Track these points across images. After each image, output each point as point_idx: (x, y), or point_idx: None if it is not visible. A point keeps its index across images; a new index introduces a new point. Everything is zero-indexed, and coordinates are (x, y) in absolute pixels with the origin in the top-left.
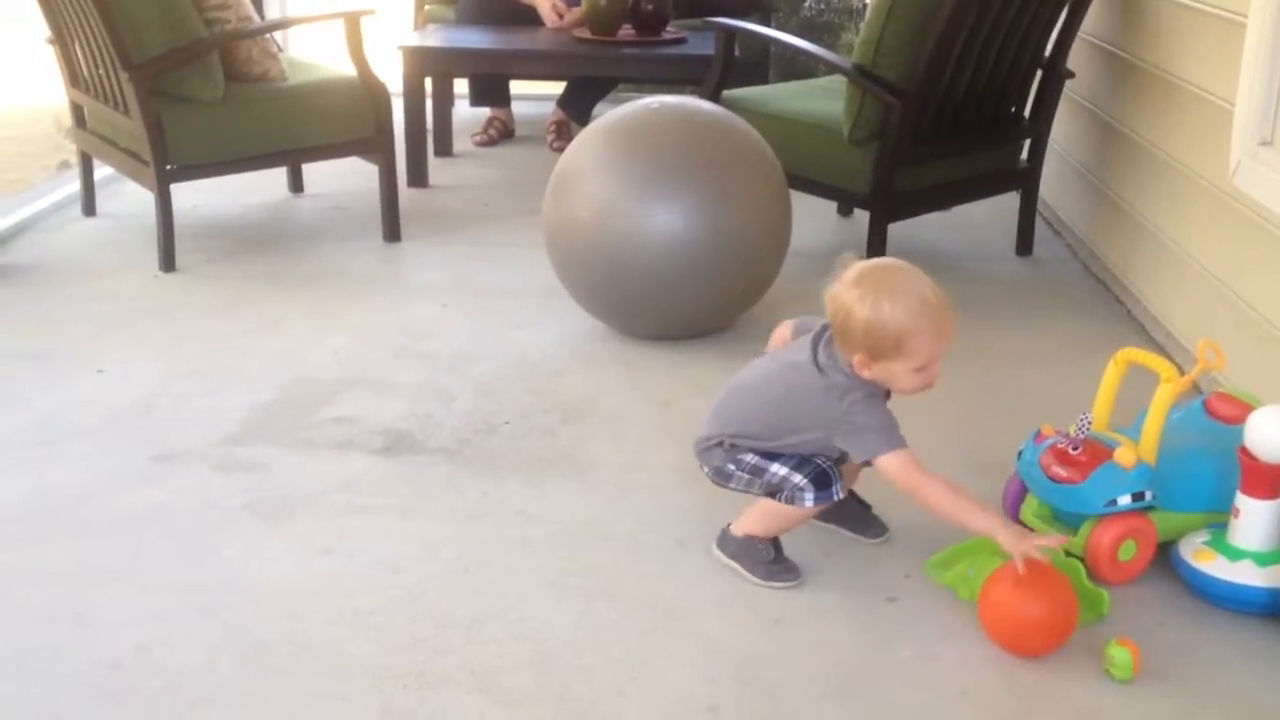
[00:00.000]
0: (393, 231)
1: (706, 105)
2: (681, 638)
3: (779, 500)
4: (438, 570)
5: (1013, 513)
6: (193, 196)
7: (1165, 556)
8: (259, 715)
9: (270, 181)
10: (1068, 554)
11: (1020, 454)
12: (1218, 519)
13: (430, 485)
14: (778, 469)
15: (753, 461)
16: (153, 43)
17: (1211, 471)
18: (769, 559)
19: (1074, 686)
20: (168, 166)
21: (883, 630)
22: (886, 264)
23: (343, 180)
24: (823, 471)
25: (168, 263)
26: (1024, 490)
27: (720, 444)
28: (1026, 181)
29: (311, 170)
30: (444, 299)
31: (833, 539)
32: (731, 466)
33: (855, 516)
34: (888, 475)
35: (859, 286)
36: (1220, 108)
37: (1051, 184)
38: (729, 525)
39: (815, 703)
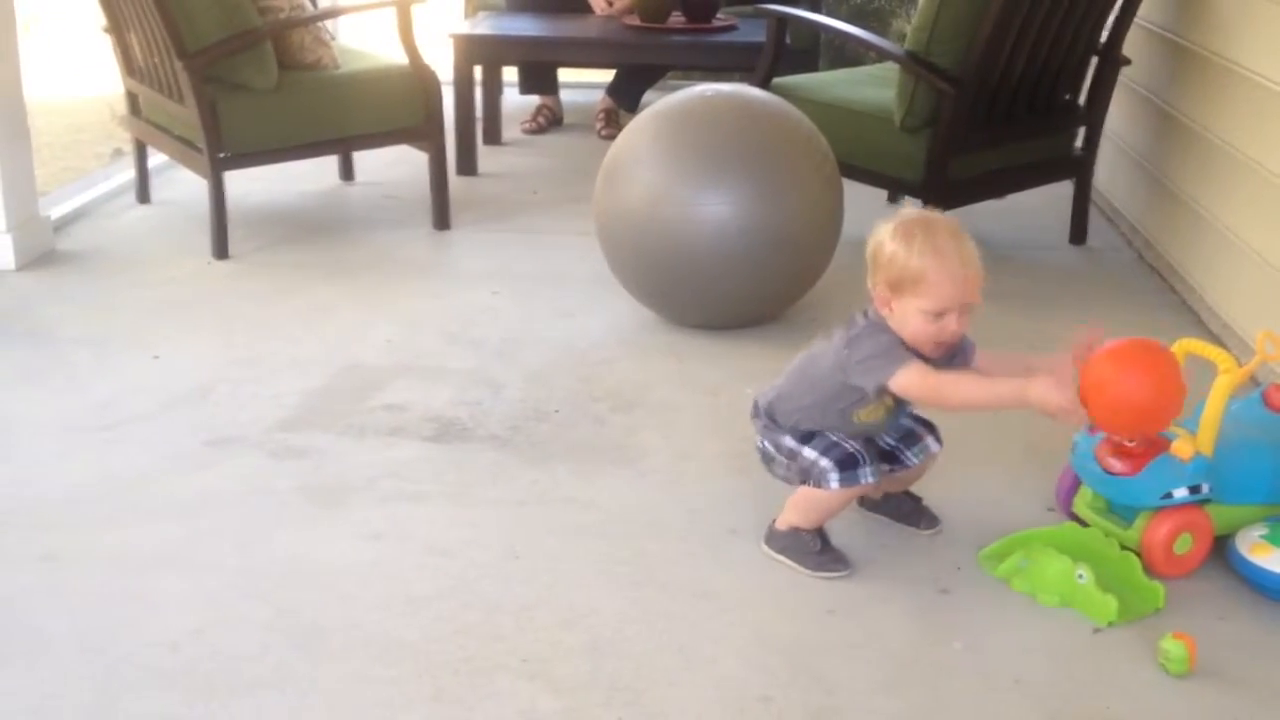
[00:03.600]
0: (442, 219)
1: (759, 93)
2: (733, 627)
3: (810, 485)
4: (488, 557)
5: (1066, 505)
6: (245, 184)
7: (1222, 550)
8: (312, 698)
9: (321, 169)
10: (1123, 547)
11: (1074, 445)
12: (1276, 512)
13: (480, 472)
14: (809, 452)
15: (789, 445)
16: (207, 31)
17: (1269, 464)
18: (816, 549)
19: (1129, 680)
20: (221, 154)
21: (935, 621)
22: (930, 213)
23: (393, 168)
24: (849, 454)
25: (220, 250)
26: (1078, 482)
27: (757, 415)
28: (1081, 169)
29: (362, 158)
30: (494, 287)
31: (886, 531)
32: (771, 449)
33: (906, 510)
34: (906, 394)
35: (897, 223)
36: (1275, 92)
37: (1106, 172)
38: (774, 521)
39: (868, 694)
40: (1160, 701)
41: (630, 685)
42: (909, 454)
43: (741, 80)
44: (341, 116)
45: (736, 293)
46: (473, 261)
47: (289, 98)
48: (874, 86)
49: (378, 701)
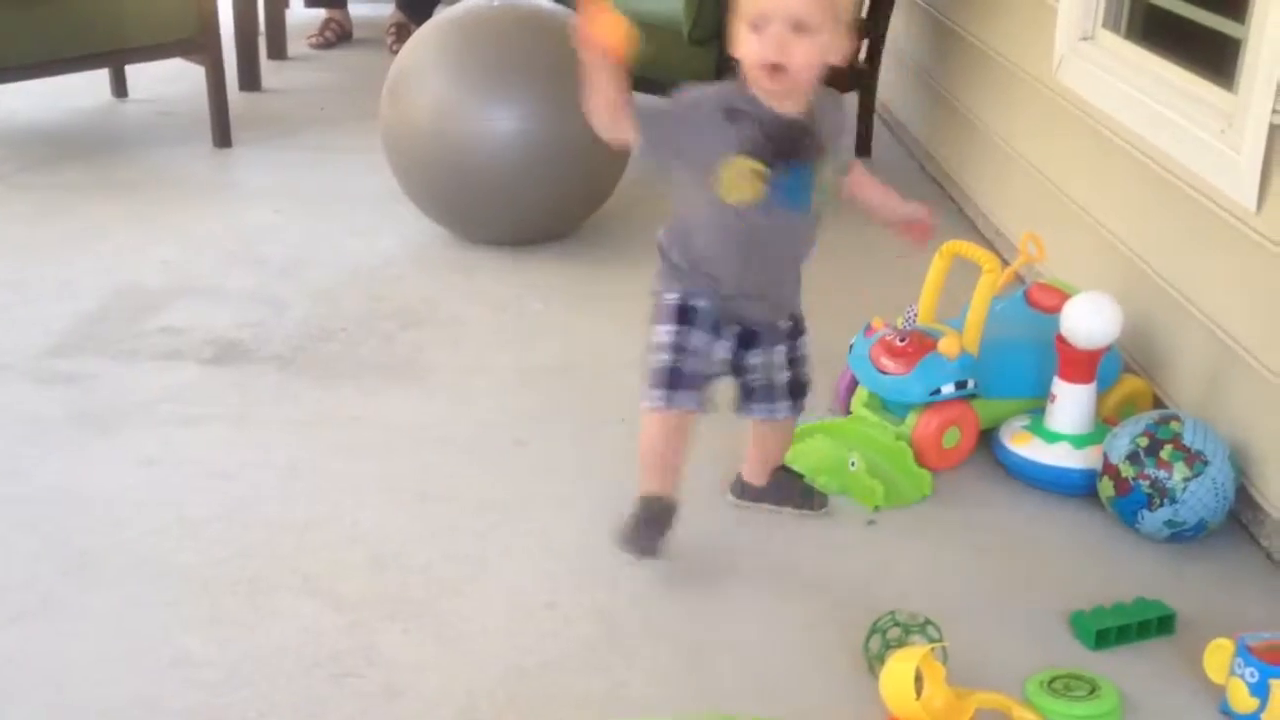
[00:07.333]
0: (223, 136)
1: (548, 4)
2: (519, 536)
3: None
4: (269, 477)
5: (845, 404)
6: (7, 101)
7: (989, 443)
8: (82, 625)
9: (92, 86)
10: (896, 438)
11: (851, 347)
12: (1038, 405)
13: (262, 393)
14: (659, 326)
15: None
16: None
17: (1031, 359)
18: (629, 520)
19: (897, 566)
20: None
21: (719, 519)
22: None
23: (170, 85)
24: (670, 367)
25: None
26: (855, 382)
27: None
28: (865, 82)
29: (137, 74)
30: (277, 205)
31: None
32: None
33: (793, 490)
34: None
35: None
36: (1044, 3)
37: (891, 86)
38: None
39: (651, 594)
40: (927, 584)
41: (415, 598)
42: (756, 403)
43: None
44: (108, 27)
45: (527, 208)
46: (256, 179)
47: (48, 7)
48: None
49: (152, 626)
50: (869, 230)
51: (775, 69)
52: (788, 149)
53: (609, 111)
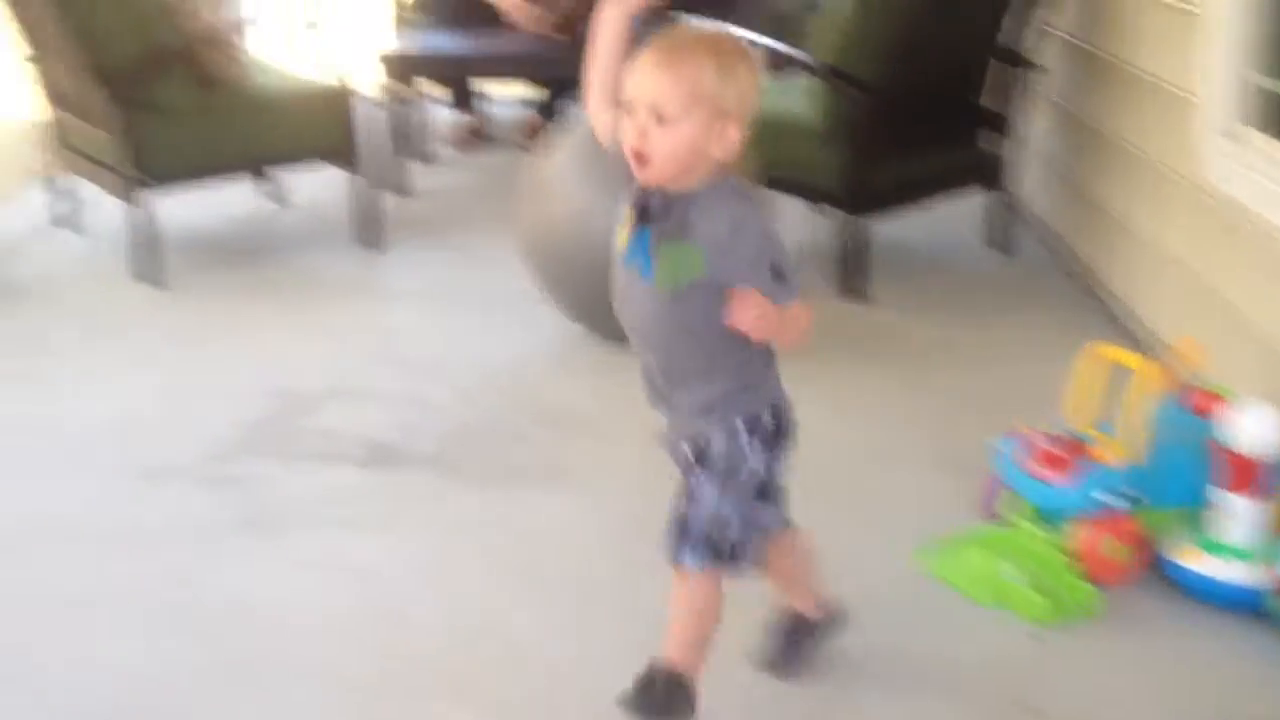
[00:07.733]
0: (372, 239)
1: None
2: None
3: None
4: (420, 581)
5: (990, 511)
6: (170, 208)
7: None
8: None
9: (249, 192)
10: (1057, 549)
11: (998, 452)
12: (1203, 515)
13: (412, 496)
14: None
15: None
16: (123, 53)
17: (1195, 467)
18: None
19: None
20: (140, 177)
21: (865, 626)
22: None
23: (324, 190)
24: None
25: (145, 275)
26: (1003, 488)
27: None
28: (999, 177)
29: (291, 180)
30: (424, 306)
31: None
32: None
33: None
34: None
35: None
36: (1186, 100)
37: (1030, 182)
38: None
39: (785, 698)
40: (1093, 706)
41: (565, 704)
42: None
43: None
44: (263, 136)
45: None
46: (403, 281)
47: (208, 118)
48: (791, 96)
49: None
50: (1011, 336)
51: (638, 156)
52: (639, 210)
53: (609, 84)
